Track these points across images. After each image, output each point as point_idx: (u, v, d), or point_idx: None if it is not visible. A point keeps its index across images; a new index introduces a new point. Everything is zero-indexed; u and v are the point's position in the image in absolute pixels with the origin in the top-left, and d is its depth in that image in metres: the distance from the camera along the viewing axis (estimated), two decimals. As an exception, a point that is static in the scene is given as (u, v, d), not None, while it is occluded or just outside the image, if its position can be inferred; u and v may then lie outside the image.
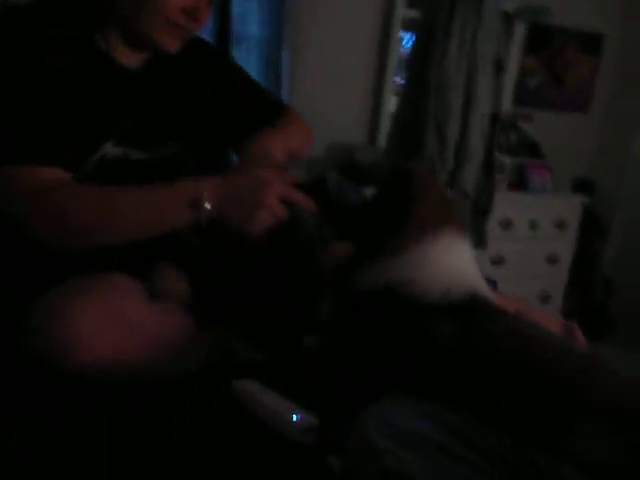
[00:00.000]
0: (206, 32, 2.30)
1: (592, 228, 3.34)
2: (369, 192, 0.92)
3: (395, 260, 0.82)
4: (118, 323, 0.79)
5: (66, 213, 0.90)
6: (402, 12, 2.79)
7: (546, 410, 0.67)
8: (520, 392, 0.69)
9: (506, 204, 2.84)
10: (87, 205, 0.90)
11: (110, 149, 1.02)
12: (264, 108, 1.21)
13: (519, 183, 3.05)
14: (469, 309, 0.81)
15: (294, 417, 0.74)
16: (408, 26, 2.80)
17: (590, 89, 3.46)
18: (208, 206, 0.73)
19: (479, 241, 1.91)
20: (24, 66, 0.92)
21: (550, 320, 1.13)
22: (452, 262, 0.84)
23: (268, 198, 0.81)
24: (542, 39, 3.20)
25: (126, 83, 1.06)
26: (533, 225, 3.01)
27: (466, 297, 0.82)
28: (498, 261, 2.96)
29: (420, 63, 1.69)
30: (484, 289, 0.86)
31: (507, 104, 3.16)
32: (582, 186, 3.44)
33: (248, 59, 2.57)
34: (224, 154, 1.40)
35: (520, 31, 3.12)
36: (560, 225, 3.08)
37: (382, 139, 2.84)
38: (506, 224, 2.93)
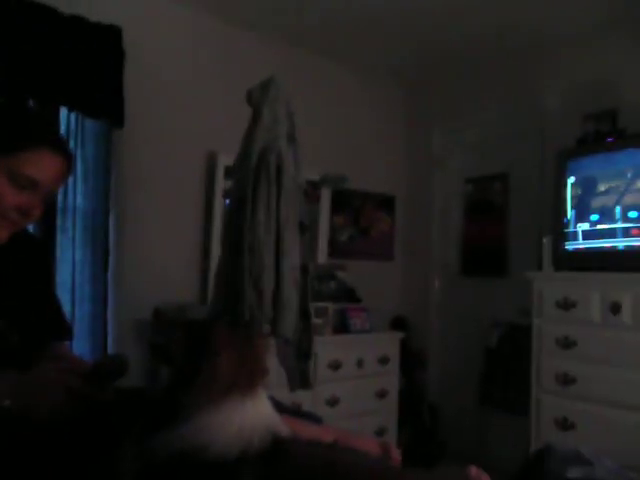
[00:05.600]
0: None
1: (411, 360, 3.70)
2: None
3: (188, 425, 0.87)
4: None
5: None
6: (222, 183, 3.12)
7: None
8: None
9: (333, 347, 3.09)
10: None
11: None
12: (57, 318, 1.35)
13: (342, 326, 3.34)
14: (274, 453, 0.88)
15: None
16: (227, 194, 3.13)
17: (391, 239, 4.02)
18: (7, 402, 0.89)
19: (304, 382, 2.06)
20: None
21: (368, 443, 1.28)
22: (245, 416, 0.91)
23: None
24: (345, 200, 3.73)
25: None
26: (360, 363, 3.27)
27: (267, 445, 0.89)
28: (333, 402, 3.12)
29: (234, 226, 1.92)
30: (284, 430, 0.95)
31: (323, 257, 3.54)
32: (398, 323, 3.86)
33: (74, 230, 2.64)
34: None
35: (327, 195, 3.62)
36: (383, 360, 3.38)
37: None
38: (335, 366, 3.15)
